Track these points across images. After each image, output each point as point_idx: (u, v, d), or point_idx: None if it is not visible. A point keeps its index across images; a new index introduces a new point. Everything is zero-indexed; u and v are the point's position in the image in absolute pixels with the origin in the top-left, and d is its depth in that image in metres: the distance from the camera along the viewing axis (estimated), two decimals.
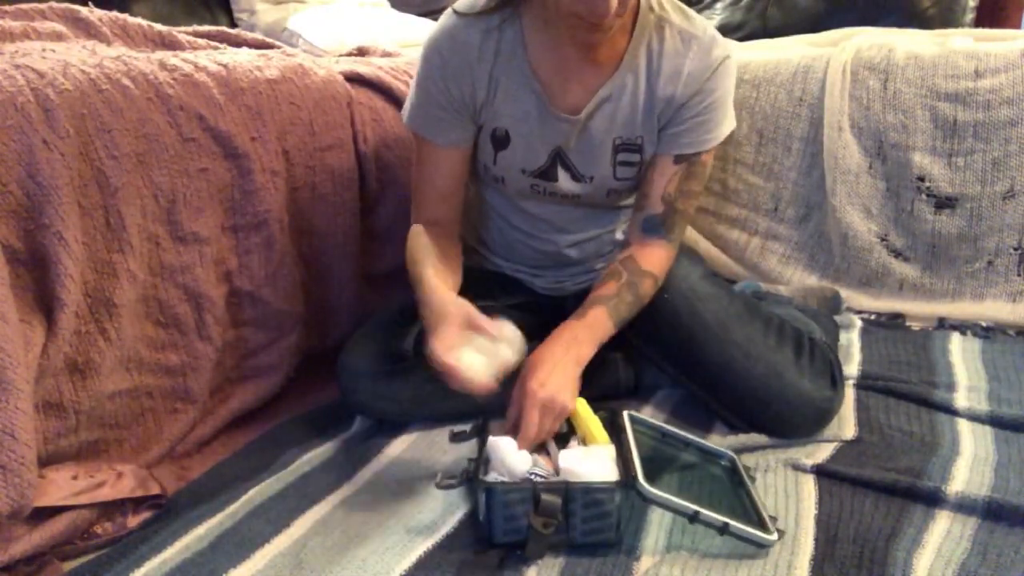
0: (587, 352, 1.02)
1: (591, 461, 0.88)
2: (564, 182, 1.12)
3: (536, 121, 1.08)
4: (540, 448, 0.96)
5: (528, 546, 0.83)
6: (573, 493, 0.83)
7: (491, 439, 0.92)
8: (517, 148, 1.10)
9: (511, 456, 0.88)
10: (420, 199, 1.15)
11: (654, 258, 1.10)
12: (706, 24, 1.08)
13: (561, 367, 0.98)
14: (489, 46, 1.05)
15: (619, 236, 1.25)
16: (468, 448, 0.99)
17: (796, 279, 1.64)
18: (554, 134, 1.09)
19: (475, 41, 1.05)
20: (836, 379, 1.11)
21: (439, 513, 0.94)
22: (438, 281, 1.00)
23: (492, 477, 0.88)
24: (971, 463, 1.00)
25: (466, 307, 0.92)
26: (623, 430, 0.95)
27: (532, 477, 0.87)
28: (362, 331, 1.19)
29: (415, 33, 2.24)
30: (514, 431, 0.94)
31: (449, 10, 1.07)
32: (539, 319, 1.28)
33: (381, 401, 1.13)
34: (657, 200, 1.10)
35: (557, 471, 0.90)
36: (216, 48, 1.34)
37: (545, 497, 0.82)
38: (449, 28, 1.06)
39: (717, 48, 1.06)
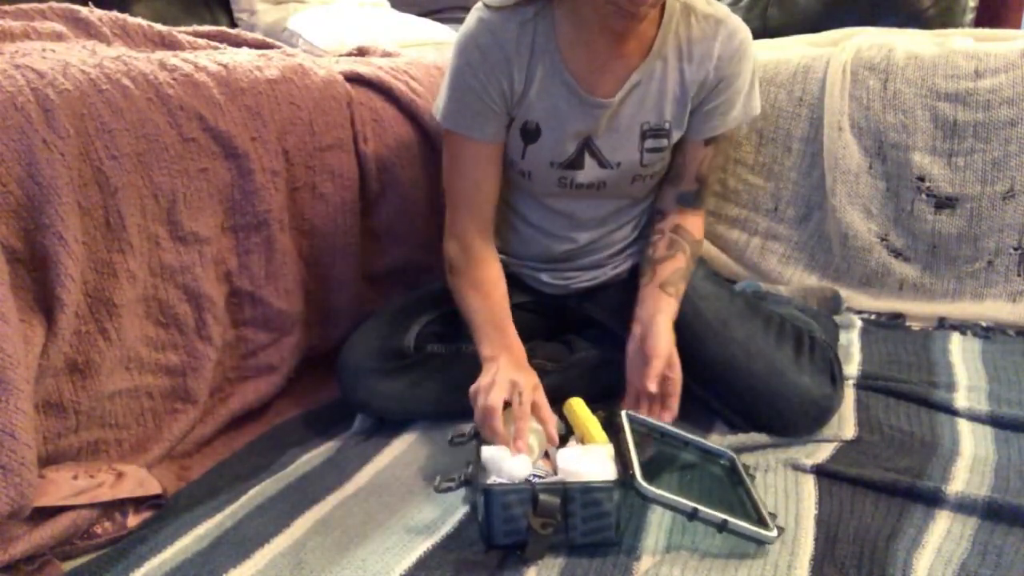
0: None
1: (589, 460, 0.88)
2: (590, 169, 1.12)
3: (567, 112, 1.08)
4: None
5: (528, 547, 0.83)
6: (571, 493, 0.83)
7: (483, 451, 0.91)
8: (546, 141, 1.10)
9: (508, 463, 0.88)
10: (460, 202, 1.14)
11: (698, 226, 1.20)
12: (724, 7, 1.11)
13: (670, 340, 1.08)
14: (525, 39, 1.05)
15: (634, 235, 1.24)
16: (467, 450, 0.99)
17: (796, 279, 1.64)
18: (585, 122, 1.08)
19: (512, 34, 1.05)
20: (836, 377, 1.11)
21: (439, 513, 0.94)
22: (513, 328, 1.08)
23: (491, 479, 0.88)
24: (971, 463, 1.00)
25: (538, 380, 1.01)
26: (621, 429, 0.95)
27: (530, 477, 0.87)
28: (363, 328, 1.19)
29: (415, 33, 2.24)
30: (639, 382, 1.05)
31: (480, 5, 1.06)
32: (543, 320, 1.28)
33: (381, 398, 1.13)
34: (691, 180, 1.18)
35: (555, 470, 0.90)
36: (216, 48, 1.34)
37: (543, 497, 0.82)
38: (486, 22, 1.05)
39: (741, 31, 1.10)
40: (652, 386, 1.04)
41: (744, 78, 1.11)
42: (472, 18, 1.06)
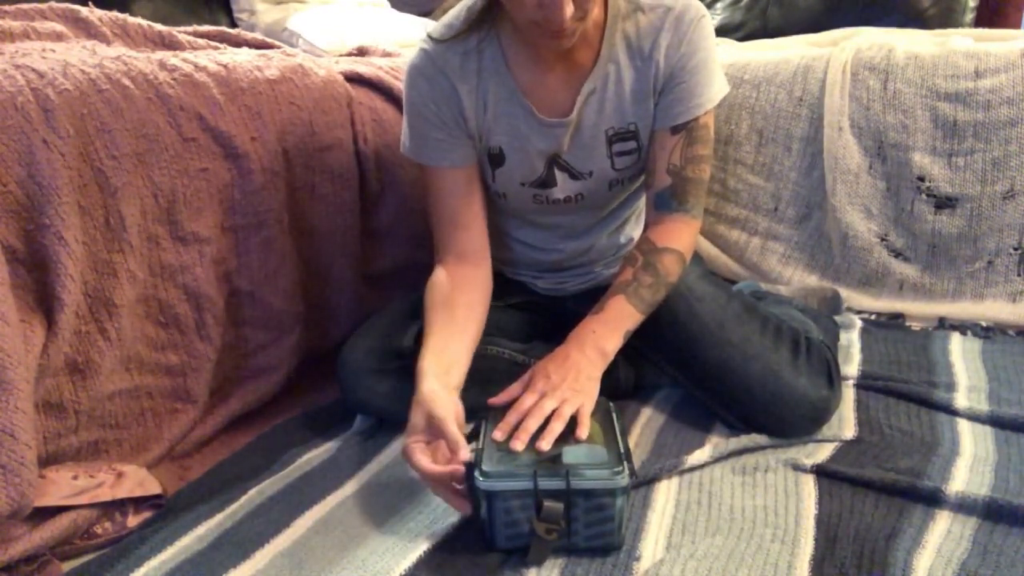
0: (609, 345, 1.02)
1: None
2: (563, 184, 1.12)
3: (528, 133, 1.08)
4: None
5: (531, 553, 0.83)
6: (575, 498, 0.83)
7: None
8: (513, 162, 1.10)
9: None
10: (440, 233, 1.12)
11: (671, 233, 1.08)
12: None
13: (572, 364, 0.98)
14: (470, 67, 1.06)
15: (622, 240, 1.25)
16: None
17: (796, 279, 1.64)
18: (548, 141, 1.09)
19: (455, 63, 1.06)
20: (833, 378, 1.11)
21: (439, 513, 0.94)
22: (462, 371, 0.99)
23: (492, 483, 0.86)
24: (971, 463, 1.00)
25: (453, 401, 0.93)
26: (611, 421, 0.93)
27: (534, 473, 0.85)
28: (363, 328, 1.19)
29: (415, 33, 2.24)
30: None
31: (424, 37, 1.08)
32: (539, 318, 1.29)
33: (381, 398, 1.13)
34: (663, 174, 1.08)
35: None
36: (216, 48, 1.34)
37: (548, 504, 0.82)
38: (429, 53, 1.07)
39: (690, 11, 1.04)
40: (528, 401, 0.93)
41: (700, 57, 1.04)
42: (417, 50, 1.08)
